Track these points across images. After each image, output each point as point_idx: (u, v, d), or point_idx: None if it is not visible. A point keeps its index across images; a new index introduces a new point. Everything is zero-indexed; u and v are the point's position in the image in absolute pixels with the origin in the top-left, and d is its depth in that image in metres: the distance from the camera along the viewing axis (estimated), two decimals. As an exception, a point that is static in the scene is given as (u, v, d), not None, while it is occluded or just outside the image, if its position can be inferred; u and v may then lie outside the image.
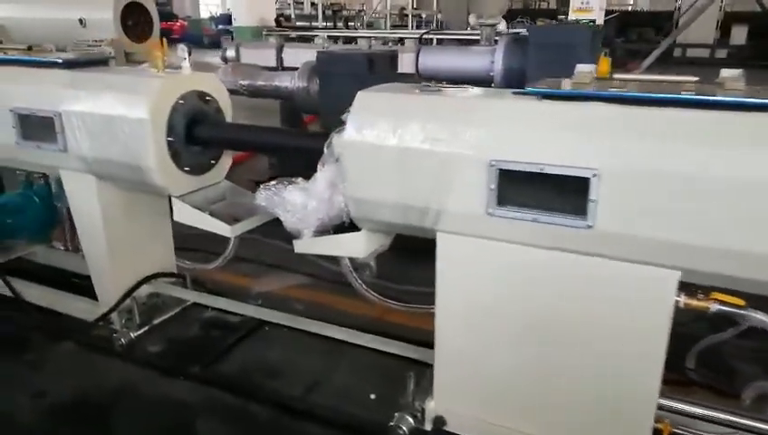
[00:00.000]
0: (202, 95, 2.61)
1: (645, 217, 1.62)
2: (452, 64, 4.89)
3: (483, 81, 5.42)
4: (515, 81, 4.84)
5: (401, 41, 6.61)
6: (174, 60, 2.63)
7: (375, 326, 3.17)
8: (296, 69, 4.41)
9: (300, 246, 2.33)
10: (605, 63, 4.98)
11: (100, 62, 2.84)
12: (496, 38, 4.93)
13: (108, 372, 2.76)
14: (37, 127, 2.66)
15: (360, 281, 2.66)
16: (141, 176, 2.49)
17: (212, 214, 2.57)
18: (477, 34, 5.48)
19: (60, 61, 2.66)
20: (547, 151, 1.70)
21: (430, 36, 5.45)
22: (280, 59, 5.97)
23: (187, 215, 2.57)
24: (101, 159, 2.54)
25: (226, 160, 2.81)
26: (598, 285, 1.77)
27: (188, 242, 3.35)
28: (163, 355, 2.89)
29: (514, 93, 1.97)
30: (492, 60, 4.83)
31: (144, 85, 2.44)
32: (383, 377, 2.68)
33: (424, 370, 2.50)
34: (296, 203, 2.29)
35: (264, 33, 9.10)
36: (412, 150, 1.88)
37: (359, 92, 2.04)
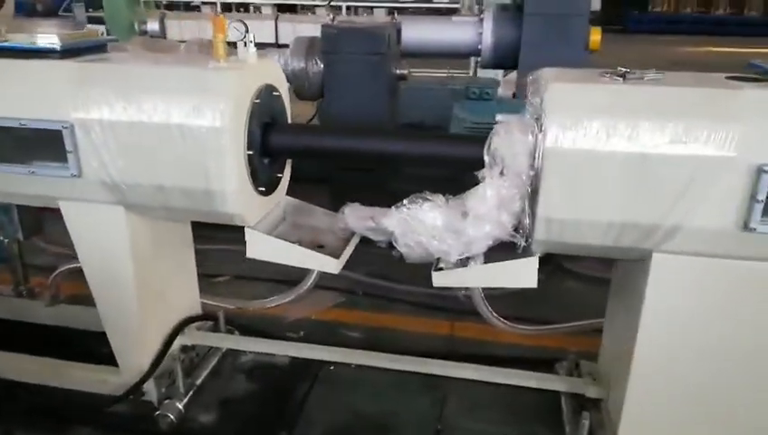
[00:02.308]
0: (271, 89, 1.97)
1: None
2: (435, 38, 4.46)
3: (468, 56, 5.08)
4: (507, 55, 4.54)
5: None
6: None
7: (450, 347, 2.80)
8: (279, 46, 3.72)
9: (445, 279, 1.85)
10: (597, 34, 4.82)
11: (98, 49, 2.05)
12: (479, 6, 4.57)
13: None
14: (27, 145, 1.86)
15: (490, 308, 2.23)
16: (210, 204, 1.83)
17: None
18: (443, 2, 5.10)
19: (57, 47, 1.86)
20: (842, 152, 1.41)
21: (402, 6, 4.94)
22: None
23: (267, 249, 1.95)
24: (144, 184, 1.83)
25: (287, 172, 2.20)
26: None
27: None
28: (228, 427, 2.25)
29: (731, 78, 1.65)
30: (479, 31, 4.48)
31: (216, 81, 1.76)
32: (507, 411, 2.31)
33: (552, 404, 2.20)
34: (437, 226, 1.82)
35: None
36: (651, 156, 1.49)
37: (552, 85, 1.59)
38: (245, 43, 1.91)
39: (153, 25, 5.23)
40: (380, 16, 7.90)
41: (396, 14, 4.62)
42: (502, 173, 1.71)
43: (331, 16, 4.81)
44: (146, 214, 2.02)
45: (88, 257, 2.05)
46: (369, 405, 2.37)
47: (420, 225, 1.81)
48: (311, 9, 8.17)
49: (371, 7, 10.91)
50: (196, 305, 2.55)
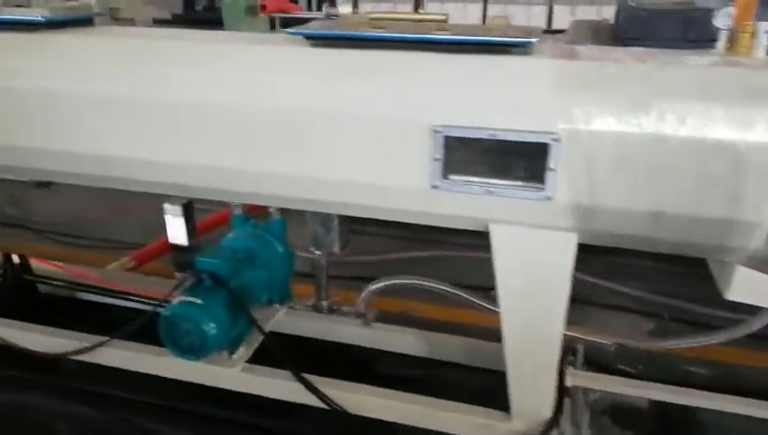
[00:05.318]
0: None
1: None
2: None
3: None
4: None
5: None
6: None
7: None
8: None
9: None
10: None
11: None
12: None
13: None
14: (487, 160, 1.54)
15: None
16: (722, 236, 1.47)
17: None
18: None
19: (524, 41, 1.53)
20: None
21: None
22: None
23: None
24: (633, 211, 1.48)
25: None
26: None
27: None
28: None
29: None
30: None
31: (772, 84, 1.39)
32: None
33: None
34: None
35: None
36: None
37: None
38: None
39: (345, 8, 4.94)
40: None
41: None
42: None
43: None
44: (593, 241, 1.69)
45: (515, 287, 1.73)
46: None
47: None
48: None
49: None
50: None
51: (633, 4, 3.10)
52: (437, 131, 1.53)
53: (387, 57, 1.60)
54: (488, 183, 1.56)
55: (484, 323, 2.65)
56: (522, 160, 1.51)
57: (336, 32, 1.65)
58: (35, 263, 2.79)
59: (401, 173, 1.61)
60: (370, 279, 3.08)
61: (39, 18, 1.89)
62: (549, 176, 1.49)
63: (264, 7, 9.44)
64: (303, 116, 1.63)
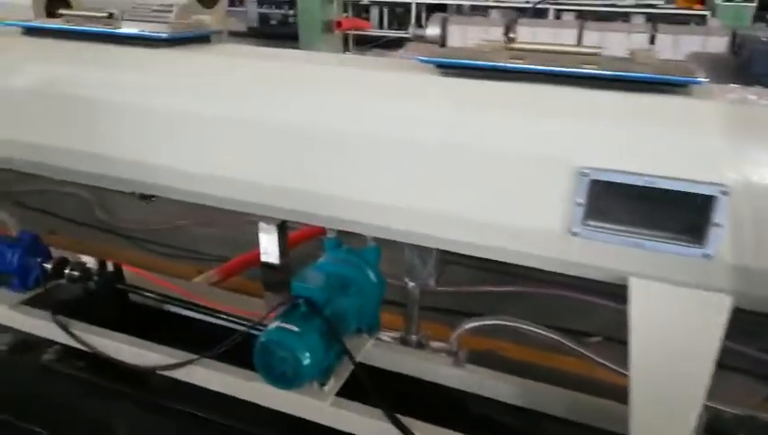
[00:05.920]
0: None
1: None
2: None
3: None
4: None
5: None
6: None
7: None
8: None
9: None
10: None
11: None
12: None
13: None
14: (641, 207, 1.40)
15: None
16: None
17: None
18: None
19: (694, 80, 1.38)
20: None
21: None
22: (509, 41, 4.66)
23: None
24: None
25: None
26: None
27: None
28: None
29: None
30: None
31: None
32: None
33: None
34: None
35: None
36: None
37: None
38: None
39: (434, 30, 4.86)
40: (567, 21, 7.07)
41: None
42: None
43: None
44: (748, 305, 1.51)
45: (653, 349, 1.56)
46: None
47: None
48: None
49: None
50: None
51: (764, 39, 2.87)
52: (584, 174, 1.40)
53: (528, 91, 1.49)
54: (637, 233, 1.41)
55: (577, 369, 2.47)
56: (680, 212, 1.36)
57: (473, 62, 1.55)
58: (127, 271, 2.81)
59: (535, 215, 1.49)
60: (444, 311, 2.94)
61: (162, 35, 1.88)
62: (712, 232, 1.33)
63: (339, 24, 9.54)
64: (433, 148, 1.53)
